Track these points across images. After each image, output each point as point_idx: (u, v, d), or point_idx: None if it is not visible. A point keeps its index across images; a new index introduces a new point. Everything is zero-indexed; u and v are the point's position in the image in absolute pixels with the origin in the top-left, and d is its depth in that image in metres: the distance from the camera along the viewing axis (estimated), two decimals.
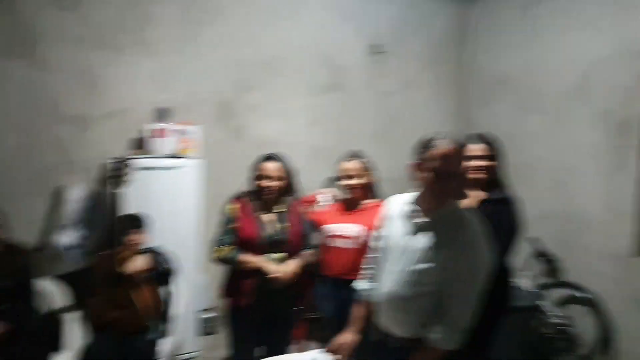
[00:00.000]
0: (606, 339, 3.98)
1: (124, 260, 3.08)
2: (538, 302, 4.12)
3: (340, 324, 2.84)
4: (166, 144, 4.08)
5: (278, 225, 2.91)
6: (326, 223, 3.10)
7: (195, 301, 4.13)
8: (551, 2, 4.49)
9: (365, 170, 3.12)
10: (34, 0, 3.99)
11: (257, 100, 4.75)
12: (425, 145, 2.02)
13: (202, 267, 4.36)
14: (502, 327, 2.84)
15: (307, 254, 2.94)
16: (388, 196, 2.38)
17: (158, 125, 4.07)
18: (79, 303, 3.35)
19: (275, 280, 2.76)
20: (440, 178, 1.95)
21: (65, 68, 4.11)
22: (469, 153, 2.66)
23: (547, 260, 4.38)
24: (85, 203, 4.05)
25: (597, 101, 4.09)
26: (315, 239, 3.07)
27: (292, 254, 2.90)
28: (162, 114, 4.12)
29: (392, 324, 2.13)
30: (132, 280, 3.10)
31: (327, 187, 3.71)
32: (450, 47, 5.48)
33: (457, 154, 1.96)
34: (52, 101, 4.09)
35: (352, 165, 3.10)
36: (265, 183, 2.91)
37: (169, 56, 4.40)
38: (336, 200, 3.37)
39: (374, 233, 2.40)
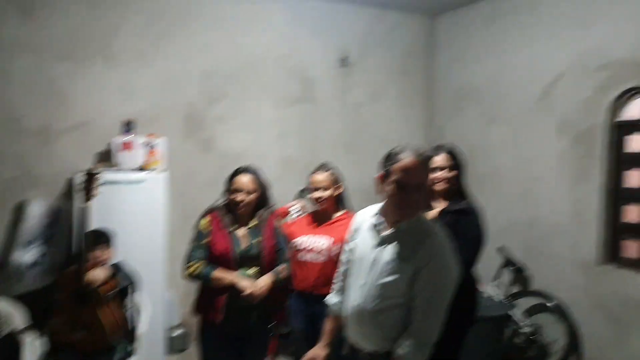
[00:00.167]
0: (573, 346, 4.03)
1: (88, 277, 2.98)
2: (508, 312, 4.15)
3: (310, 339, 2.82)
4: (133, 157, 3.99)
5: (252, 240, 2.87)
6: (295, 236, 3.07)
7: (164, 318, 4.03)
8: (515, 16, 4.59)
9: (335, 182, 3.11)
10: None
11: (225, 112, 4.71)
12: (389, 157, 2.02)
13: (170, 283, 4.28)
14: (472, 337, 2.85)
15: (281, 269, 2.89)
16: (358, 208, 2.37)
17: (124, 138, 3.98)
18: (40, 323, 3.23)
19: (249, 296, 2.71)
20: (403, 190, 1.95)
21: (26, 80, 4.01)
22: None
23: (515, 270, 4.43)
24: (47, 219, 3.94)
25: (560, 112, 4.18)
26: (286, 252, 3.04)
27: (266, 269, 2.86)
28: (128, 127, 4.03)
29: (361, 338, 2.10)
30: (97, 298, 3.00)
31: (297, 199, 3.69)
32: (418, 58, 5.54)
33: (419, 167, 1.96)
34: (13, 114, 3.99)
35: (322, 177, 3.08)
36: (239, 197, 2.86)
37: (135, 67, 4.34)
38: (306, 213, 3.34)
39: (344, 246, 2.38)
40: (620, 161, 3.87)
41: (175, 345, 4.30)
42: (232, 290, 2.76)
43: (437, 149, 2.87)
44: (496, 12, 4.79)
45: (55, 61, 4.08)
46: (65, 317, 3.02)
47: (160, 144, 4.12)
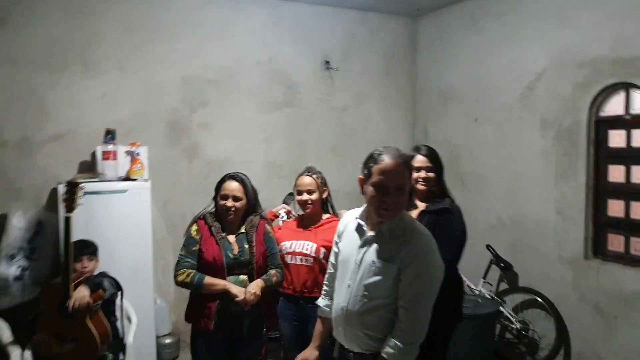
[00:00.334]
0: (562, 340, 4.06)
1: (74, 289, 2.93)
2: (498, 309, 4.18)
3: (299, 342, 2.81)
4: (116, 167, 3.95)
5: (242, 246, 2.85)
6: (282, 240, 3.06)
7: (153, 327, 3.99)
8: (495, 16, 4.63)
9: (321, 185, 3.10)
10: None
11: (209, 119, 4.69)
12: (369, 159, 2.03)
13: (158, 292, 4.24)
14: (463, 335, 2.86)
15: (273, 273, 2.88)
16: (344, 210, 2.37)
17: (106, 148, 3.93)
18: (24, 338, 3.17)
19: (241, 303, 2.69)
20: (382, 192, 1.96)
21: (4, 90, 3.96)
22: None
23: (503, 267, 4.46)
24: (30, 231, 3.88)
25: (542, 110, 4.22)
26: (278, 257, 3.02)
27: (257, 275, 2.84)
28: (109, 136, 3.98)
29: (348, 340, 2.10)
30: (83, 310, 2.96)
31: (283, 203, 3.68)
32: (401, 60, 5.57)
33: (398, 168, 1.96)
34: None
35: (308, 180, 3.07)
36: (228, 203, 2.84)
37: (115, 76, 4.30)
38: (292, 217, 3.33)
39: (332, 248, 2.38)
40: (605, 156, 3.91)
41: (165, 353, 4.25)
42: (224, 297, 2.74)
43: (416, 150, 2.89)
44: (477, 13, 4.83)
45: (33, 71, 4.04)
46: (50, 330, 2.97)
47: (144, 152, 4.08)
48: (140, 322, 3.48)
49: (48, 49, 4.07)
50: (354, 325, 2.05)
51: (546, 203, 4.21)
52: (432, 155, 2.87)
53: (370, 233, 2.07)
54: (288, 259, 3.00)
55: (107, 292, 3.07)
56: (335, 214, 3.15)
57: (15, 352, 3.09)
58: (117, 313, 3.27)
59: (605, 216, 3.92)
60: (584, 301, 3.94)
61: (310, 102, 5.13)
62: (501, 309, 4.28)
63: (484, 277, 4.56)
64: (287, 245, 3.02)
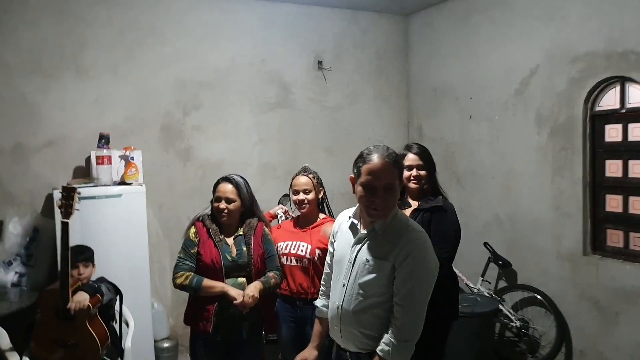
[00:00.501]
0: (563, 337, 4.05)
1: (73, 302, 2.91)
2: (497, 307, 4.16)
3: (297, 343, 2.80)
4: (110, 171, 3.94)
5: (241, 249, 2.84)
6: (278, 241, 3.04)
7: (151, 331, 3.97)
8: (487, 12, 4.62)
9: (317, 185, 3.09)
10: None
11: (202, 121, 4.67)
12: (359, 159, 2.03)
13: (155, 295, 4.23)
14: (463, 333, 2.85)
15: (271, 275, 2.87)
16: (339, 211, 2.37)
17: (101, 152, 3.91)
18: (22, 344, 3.15)
19: (240, 305, 2.69)
20: (370, 192, 1.95)
21: None
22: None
23: (502, 265, 4.44)
24: (25, 238, 3.86)
25: (537, 105, 4.21)
26: (277, 259, 3.01)
27: (255, 278, 2.83)
28: (103, 140, 3.96)
29: (345, 339, 2.09)
30: (81, 316, 2.94)
31: (279, 204, 3.66)
32: (393, 59, 5.55)
33: (386, 168, 1.95)
34: None
35: (305, 180, 3.06)
36: (221, 205, 2.84)
37: (108, 80, 4.28)
38: (289, 217, 3.32)
39: (328, 248, 2.37)
40: (601, 151, 3.90)
41: (164, 357, 4.23)
42: (222, 299, 2.74)
43: (407, 149, 2.89)
44: (469, 10, 4.82)
45: (25, 76, 4.01)
46: (49, 336, 2.95)
47: (138, 156, 4.06)
48: (138, 326, 3.46)
49: (39, 54, 4.04)
50: (349, 324, 2.04)
51: (543, 199, 4.20)
52: (423, 153, 2.87)
53: (363, 231, 2.06)
54: (284, 260, 2.99)
55: (105, 297, 3.07)
56: (331, 214, 3.14)
57: (13, 359, 3.08)
58: (116, 318, 3.26)
59: (603, 212, 3.91)
60: (584, 298, 3.93)
61: (304, 102, 5.12)
62: (500, 307, 4.26)
63: (483, 275, 4.55)
64: (283, 246, 3.01)
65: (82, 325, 2.92)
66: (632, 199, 3.74)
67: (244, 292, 2.71)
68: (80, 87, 4.18)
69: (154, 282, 4.32)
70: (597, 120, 3.89)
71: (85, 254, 3.28)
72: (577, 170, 3.94)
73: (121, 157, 4.00)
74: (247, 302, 2.68)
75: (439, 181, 2.94)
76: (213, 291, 2.74)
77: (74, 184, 3.57)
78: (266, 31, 4.89)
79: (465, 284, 4.57)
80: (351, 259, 2.06)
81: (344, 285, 2.07)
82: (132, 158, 4.01)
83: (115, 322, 3.31)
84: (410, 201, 2.83)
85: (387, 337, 1.94)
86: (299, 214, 3.12)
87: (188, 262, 2.81)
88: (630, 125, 3.72)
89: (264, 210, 3.09)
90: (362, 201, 2.00)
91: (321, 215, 3.10)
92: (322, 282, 2.38)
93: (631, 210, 3.75)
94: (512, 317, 4.27)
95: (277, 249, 2.99)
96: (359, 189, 1.99)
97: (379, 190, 1.94)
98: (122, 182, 3.95)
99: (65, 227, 2.90)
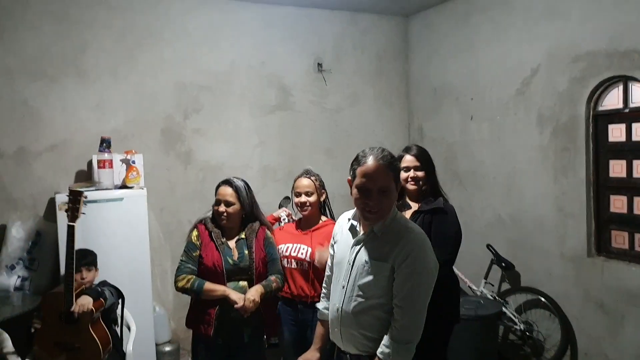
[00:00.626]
0: (568, 340, 4.01)
1: (78, 305, 2.92)
2: (501, 309, 4.13)
3: (298, 346, 2.78)
4: (112, 175, 3.93)
5: (242, 252, 2.83)
6: (279, 243, 3.03)
7: (152, 334, 3.97)
8: (488, 12, 4.60)
9: (319, 187, 3.08)
10: None
11: (203, 124, 4.66)
12: (355, 161, 2.02)
13: (156, 299, 4.22)
14: (466, 336, 2.83)
15: (273, 279, 2.86)
16: (340, 213, 2.35)
17: (102, 156, 3.91)
18: (24, 349, 3.16)
19: (240, 309, 2.68)
20: (365, 195, 1.94)
21: None
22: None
23: (505, 267, 4.41)
24: (28, 241, 3.86)
25: (539, 105, 4.18)
26: (279, 263, 3.00)
27: (256, 281, 2.82)
28: (105, 144, 3.96)
29: (345, 341, 2.08)
30: (84, 319, 2.94)
31: (280, 206, 3.65)
32: (394, 60, 5.53)
33: (381, 170, 1.93)
34: None
35: (307, 182, 3.05)
36: (220, 208, 2.83)
37: (108, 83, 4.28)
38: (291, 220, 3.31)
39: (329, 251, 2.35)
40: (604, 151, 3.86)
41: None
42: (223, 303, 2.73)
43: (405, 150, 2.87)
44: (469, 10, 4.80)
45: (26, 81, 4.02)
46: (51, 339, 2.96)
47: (139, 159, 4.06)
48: (140, 329, 3.47)
49: (40, 59, 4.05)
50: (349, 326, 2.03)
51: (546, 200, 4.17)
52: (421, 155, 2.84)
53: (362, 233, 2.05)
54: (285, 262, 2.98)
55: (108, 301, 3.08)
56: (332, 217, 3.12)
57: None
58: (118, 321, 3.26)
59: (608, 212, 3.87)
60: (588, 300, 3.89)
61: (304, 104, 5.10)
62: (504, 309, 4.22)
63: (486, 278, 4.51)
64: (284, 248, 3.00)
65: (85, 329, 2.93)
66: (636, 199, 3.70)
67: (245, 296, 2.70)
68: (81, 90, 4.19)
69: (156, 286, 4.32)
70: (600, 120, 3.86)
71: (88, 258, 3.29)
72: (581, 171, 3.91)
73: (122, 160, 4.00)
74: (248, 306, 2.67)
75: (439, 182, 2.92)
76: (214, 294, 2.73)
77: (75, 187, 3.57)
78: (266, 33, 4.89)
79: (468, 286, 4.54)
80: (350, 261, 2.05)
81: (343, 287, 2.06)
82: (134, 162, 4.01)
83: (117, 326, 3.31)
84: (411, 203, 2.80)
85: (387, 339, 1.93)
86: (301, 216, 3.11)
87: (190, 265, 2.80)
88: (634, 125, 3.68)
89: (265, 213, 3.08)
90: (358, 204, 1.99)
91: (323, 218, 3.09)
92: (323, 285, 2.37)
93: (636, 211, 3.70)
94: (516, 320, 4.23)
95: (278, 251, 2.98)
96: (354, 191, 1.99)
97: (373, 192, 1.93)
98: (124, 186, 3.95)
99: (71, 230, 2.92)
